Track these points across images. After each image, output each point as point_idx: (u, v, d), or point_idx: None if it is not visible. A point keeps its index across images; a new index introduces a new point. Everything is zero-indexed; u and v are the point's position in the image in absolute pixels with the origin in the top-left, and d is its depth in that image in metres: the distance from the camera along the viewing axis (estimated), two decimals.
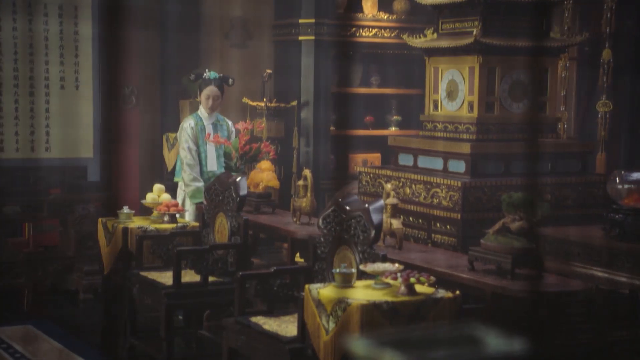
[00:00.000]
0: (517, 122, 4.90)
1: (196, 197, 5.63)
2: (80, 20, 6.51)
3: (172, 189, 6.23)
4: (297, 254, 4.93)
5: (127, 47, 6.88)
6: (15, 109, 6.39)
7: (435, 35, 5.08)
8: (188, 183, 5.69)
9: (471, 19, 4.80)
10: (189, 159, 5.67)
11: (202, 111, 5.81)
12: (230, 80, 5.92)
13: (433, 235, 4.72)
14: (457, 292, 3.76)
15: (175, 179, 5.94)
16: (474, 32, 4.69)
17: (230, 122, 5.98)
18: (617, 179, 4.15)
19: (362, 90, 7.24)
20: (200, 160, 5.72)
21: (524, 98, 4.94)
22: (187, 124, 5.76)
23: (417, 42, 5.08)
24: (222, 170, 5.56)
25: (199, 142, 5.70)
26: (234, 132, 5.87)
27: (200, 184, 5.62)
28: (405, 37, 5.20)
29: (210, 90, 5.74)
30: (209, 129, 5.75)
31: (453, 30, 4.94)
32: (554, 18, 5.70)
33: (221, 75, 5.87)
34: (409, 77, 7.11)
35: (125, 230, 4.94)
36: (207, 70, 5.91)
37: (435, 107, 5.03)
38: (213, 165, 5.72)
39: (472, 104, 4.81)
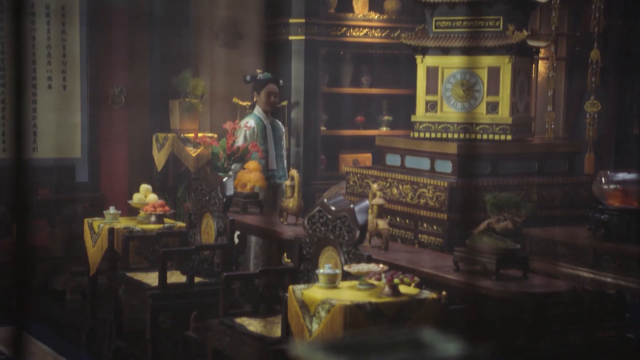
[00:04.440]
0: (520, 122, 4.88)
1: None
2: (68, 20, 6.49)
3: (159, 189, 6.21)
4: (285, 255, 4.92)
5: (116, 47, 6.86)
6: (2, 109, 6.36)
7: (428, 33, 5.06)
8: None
9: (491, 17, 4.76)
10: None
11: (260, 111, 5.87)
12: (281, 81, 6.02)
13: (420, 235, 4.71)
14: (444, 292, 3.75)
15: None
16: (510, 32, 4.65)
17: (280, 122, 6.06)
18: (602, 179, 4.14)
19: (353, 90, 7.23)
20: (267, 155, 5.79)
21: (523, 98, 4.93)
22: (244, 134, 5.79)
23: (413, 41, 5.06)
24: (282, 169, 5.77)
25: (259, 140, 5.77)
26: (284, 133, 6.01)
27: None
28: (403, 36, 5.16)
29: (271, 87, 5.83)
30: (268, 128, 5.84)
31: (459, 29, 4.91)
32: (542, 18, 5.70)
33: (274, 76, 5.96)
34: (399, 77, 7.10)
35: (111, 230, 4.92)
36: (259, 70, 5.98)
37: (433, 107, 5.00)
38: (273, 164, 5.82)
39: (492, 104, 4.78)
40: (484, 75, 4.76)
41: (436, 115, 4.93)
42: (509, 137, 4.71)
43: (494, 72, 4.74)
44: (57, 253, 6.18)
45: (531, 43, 4.72)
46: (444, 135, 4.87)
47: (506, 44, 4.62)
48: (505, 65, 4.69)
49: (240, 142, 5.69)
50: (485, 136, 4.76)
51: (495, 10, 4.70)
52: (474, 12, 4.76)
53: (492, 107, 4.76)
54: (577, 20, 6.99)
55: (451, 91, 4.87)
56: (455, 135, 4.84)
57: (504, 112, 4.71)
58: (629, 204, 4.06)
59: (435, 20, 4.97)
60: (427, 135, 4.95)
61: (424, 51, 4.96)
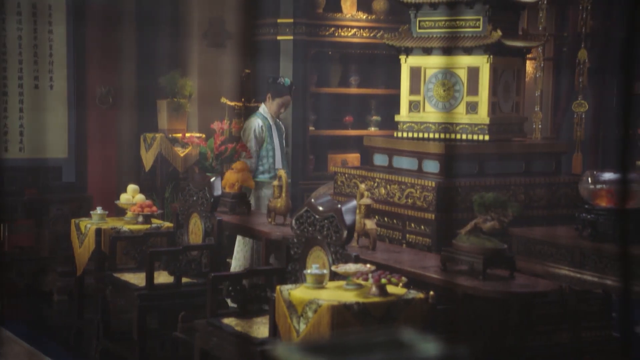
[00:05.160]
0: (504, 122, 4.89)
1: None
2: (55, 19, 6.46)
3: (147, 190, 6.19)
4: (272, 255, 4.91)
5: (103, 47, 6.83)
6: None
7: (412, 34, 5.06)
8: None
9: (471, 18, 4.78)
10: (255, 152, 5.87)
11: (266, 111, 5.99)
12: (294, 87, 6.17)
13: (407, 235, 4.71)
14: (431, 292, 3.76)
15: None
16: (488, 32, 4.66)
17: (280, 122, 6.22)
18: (588, 179, 4.16)
19: (341, 90, 7.23)
20: (269, 158, 5.91)
21: (510, 98, 4.94)
22: (256, 124, 5.92)
23: (395, 41, 5.06)
24: (285, 167, 5.88)
25: (266, 139, 5.88)
26: (284, 132, 6.16)
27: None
28: (385, 37, 5.17)
29: (287, 100, 6.03)
30: (273, 128, 5.96)
31: (442, 29, 4.92)
32: (530, 19, 5.71)
33: (291, 82, 6.08)
34: (388, 77, 7.10)
35: (98, 231, 4.90)
36: (282, 76, 6.11)
37: (414, 107, 5.01)
38: (279, 162, 5.93)
39: (472, 104, 4.79)
40: (463, 75, 4.78)
41: (418, 115, 4.94)
42: (486, 137, 4.71)
43: (473, 72, 4.76)
44: (44, 253, 6.15)
45: (509, 43, 4.73)
46: (426, 135, 4.88)
47: (484, 44, 4.64)
48: (483, 65, 4.70)
49: (252, 142, 5.80)
50: (464, 136, 4.77)
51: (475, 10, 4.72)
52: (455, 12, 4.80)
53: (472, 107, 4.78)
54: (565, 20, 7.02)
55: (433, 91, 4.89)
56: (436, 135, 4.85)
57: (483, 112, 4.72)
58: (615, 204, 4.07)
59: (419, 21, 4.99)
60: (410, 135, 4.97)
61: (408, 51, 4.98)
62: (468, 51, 4.74)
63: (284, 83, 5.99)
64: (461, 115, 4.80)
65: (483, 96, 4.71)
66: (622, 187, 4.08)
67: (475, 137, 4.73)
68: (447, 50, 4.82)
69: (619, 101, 7.15)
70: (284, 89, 5.99)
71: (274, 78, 6.09)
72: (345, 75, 7.26)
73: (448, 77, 4.83)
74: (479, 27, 4.71)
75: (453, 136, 4.78)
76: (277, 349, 0.96)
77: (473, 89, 4.75)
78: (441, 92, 4.85)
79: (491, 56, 4.68)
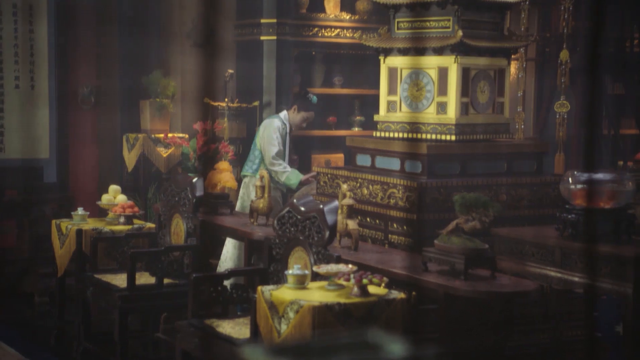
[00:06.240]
0: (481, 123, 4.90)
1: (293, 178, 5.91)
2: (36, 19, 6.41)
3: (130, 190, 6.16)
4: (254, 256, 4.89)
5: (85, 47, 6.79)
6: None
7: (391, 34, 5.07)
8: (284, 170, 5.93)
9: (442, 18, 4.79)
10: (282, 152, 5.98)
11: (287, 118, 6.09)
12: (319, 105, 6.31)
13: (390, 236, 4.71)
14: (413, 293, 3.76)
15: (243, 173, 6.07)
16: (454, 32, 4.68)
17: None
18: (569, 179, 4.17)
19: (325, 90, 7.22)
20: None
21: (489, 99, 4.95)
22: (276, 125, 6.03)
23: (371, 41, 5.08)
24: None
25: (281, 142, 6.01)
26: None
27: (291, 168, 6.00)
28: (363, 37, 5.18)
29: (311, 115, 6.15)
30: (288, 135, 6.11)
31: (417, 30, 4.93)
32: (512, 19, 5.73)
33: (317, 100, 6.21)
34: (371, 77, 7.10)
35: (79, 232, 4.87)
36: (311, 93, 6.22)
37: (393, 107, 5.02)
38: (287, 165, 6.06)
39: (442, 104, 4.80)
40: (435, 75, 4.81)
41: (395, 115, 4.96)
42: (453, 138, 4.72)
43: (443, 73, 4.79)
44: (25, 255, 6.11)
45: (475, 43, 4.74)
46: (401, 135, 4.91)
47: (448, 44, 4.66)
48: (451, 65, 4.73)
49: (275, 141, 5.91)
50: (433, 136, 4.79)
51: (447, 11, 4.74)
52: (429, 13, 4.83)
53: (442, 108, 4.81)
54: (547, 21, 7.05)
55: (407, 91, 4.92)
56: (412, 135, 4.87)
57: (451, 112, 4.74)
58: (595, 203, 4.09)
59: (398, 22, 5.01)
60: (387, 134, 4.99)
61: (386, 52, 5.00)
62: (438, 52, 4.77)
63: (311, 100, 6.12)
64: (432, 115, 4.83)
65: (451, 96, 4.74)
66: (605, 187, 4.10)
67: (443, 137, 4.75)
68: (420, 51, 4.85)
69: (601, 101, 7.19)
70: (311, 105, 6.11)
71: (306, 91, 6.24)
72: (329, 75, 7.26)
73: (421, 77, 4.86)
74: (449, 27, 4.73)
75: (426, 136, 4.82)
76: (243, 351, 0.95)
77: (443, 89, 4.78)
78: (414, 92, 4.88)
79: (458, 56, 4.70)
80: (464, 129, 4.78)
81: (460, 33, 4.64)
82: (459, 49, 4.67)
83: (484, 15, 4.88)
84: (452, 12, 4.71)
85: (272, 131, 5.98)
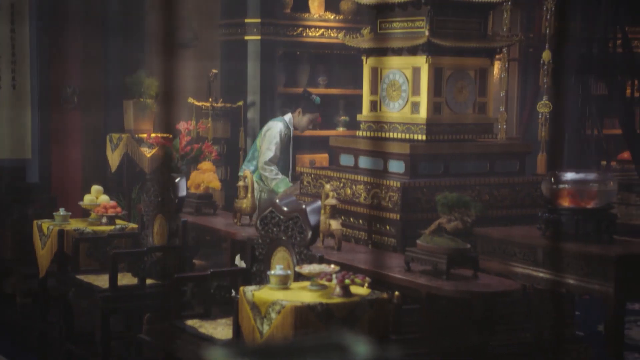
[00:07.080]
0: (457, 122, 4.91)
1: (282, 186, 5.95)
2: (17, 18, 6.36)
3: (113, 190, 6.13)
4: (238, 256, 4.89)
5: (68, 47, 6.75)
6: None
7: (373, 35, 5.08)
8: (274, 177, 5.97)
9: (417, 19, 4.81)
10: (276, 158, 6.00)
11: (291, 122, 6.13)
12: (322, 107, 6.36)
13: (373, 236, 4.71)
14: (396, 293, 3.76)
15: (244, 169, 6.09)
16: (425, 32, 4.70)
17: None
18: (552, 179, 4.19)
19: (310, 90, 7.21)
20: (284, 164, 6.10)
21: (468, 99, 4.96)
22: (279, 129, 6.05)
23: (352, 41, 5.10)
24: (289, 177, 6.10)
25: (283, 146, 6.05)
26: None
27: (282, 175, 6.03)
28: (345, 38, 5.19)
29: (316, 116, 6.19)
30: (291, 139, 6.17)
31: (395, 30, 4.95)
32: (495, 19, 5.74)
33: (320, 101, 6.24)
34: (356, 77, 7.10)
35: (61, 232, 4.84)
36: (314, 94, 6.24)
37: (374, 107, 5.03)
38: (287, 172, 6.11)
39: (416, 104, 4.82)
40: (410, 75, 4.84)
41: (376, 115, 4.99)
42: (423, 137, 4.74)
43: (416, 73, 4.82)
44: (6, 255, 6.06)
45: (445, 43, 4.75)
46: (381, 134, 4.93)
47: (417, 44, 4.69)
48: (423, 65, 4.76)
49: (273, 146, 5.93)
50: (407, 136, 4.82)
51: (421, 11, 4.77)
52: (406, 14, 4.86)
53: (415, 107, 4.83)
54: (530, 21, 7.08)
55: (386, 91, 4.95)
56: (387, 135, 4.90)
57: (423, 112, 4.77)
58: (577, 203, 4.11)
59: (379, 22, 5.03)
60: (369, 134, 5.03)
61: (368, 52, 5.03)
62: (412, 52, 4.80)
63: (314, 101, 6.14)
64: (407, 115, 4.86)
65: (423, 96, 4.77)
66: (586, 187, 4.12)
67: (416, 136, 4.77)
68: (397, 51, 4.88)
69: (584, 101, 7.23)
70: (314, 107, 6.13)
71: (308, 92, 6.23)
72: (313, 75, 7.25)
73: (397, 77, 4.90)
74: (422, 27, 4.76)
75: (401, 136, 4.84)
76: (209, 353, 0.95)
77: (417, 89, 4.82)
78: (392, 93, 4.91)
79: (429, 56, 4.72)
80: (436, 128, 4.80)
81: (427, 33, 4.67)
82: (429, 49, 4.70)
83: (461, 15, 4.89)
84: (425, 12, 4.74)
85: (272, 135, 5.98)
